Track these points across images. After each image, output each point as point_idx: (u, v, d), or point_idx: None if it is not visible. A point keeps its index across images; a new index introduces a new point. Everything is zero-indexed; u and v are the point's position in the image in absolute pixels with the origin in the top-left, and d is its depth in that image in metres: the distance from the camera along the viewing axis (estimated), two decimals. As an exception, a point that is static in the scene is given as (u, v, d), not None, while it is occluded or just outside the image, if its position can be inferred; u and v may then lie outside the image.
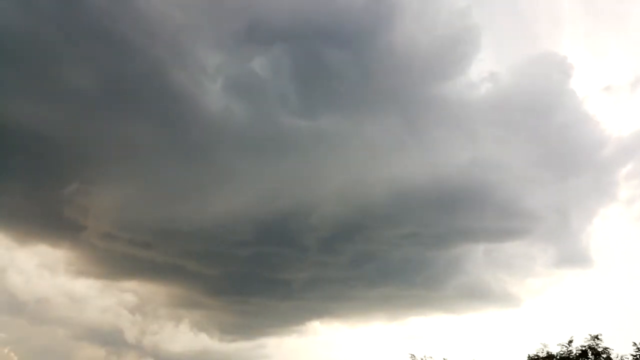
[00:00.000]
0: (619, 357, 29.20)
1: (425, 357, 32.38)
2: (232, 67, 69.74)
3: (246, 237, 67.68)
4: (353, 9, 69.74)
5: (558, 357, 30.86)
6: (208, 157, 69.26)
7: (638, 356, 28.91)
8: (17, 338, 72.59)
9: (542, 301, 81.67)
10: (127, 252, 69.40)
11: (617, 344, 30.15)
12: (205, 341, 74.36)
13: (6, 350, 66.97)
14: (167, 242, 68.38)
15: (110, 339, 73.18)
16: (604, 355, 29.12)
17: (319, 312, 77.24)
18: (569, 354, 30.24)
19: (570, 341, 30.65)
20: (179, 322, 75.23)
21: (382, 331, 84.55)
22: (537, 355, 31.08)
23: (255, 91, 70.69)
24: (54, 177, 66.44)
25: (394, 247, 73.89)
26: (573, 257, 78.15)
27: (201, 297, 75.53)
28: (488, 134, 76.00)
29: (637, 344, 28.79)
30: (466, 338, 79.73)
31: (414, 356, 31.99)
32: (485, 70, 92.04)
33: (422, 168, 71.52)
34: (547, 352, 31.03)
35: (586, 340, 29.72)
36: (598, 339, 29.56)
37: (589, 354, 29.28)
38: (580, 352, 29.57)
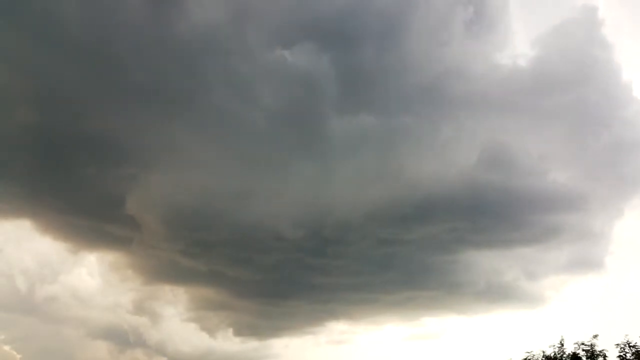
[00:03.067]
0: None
1: None
2: (272, 70, 71.09)
3: (280, 243, 70.12)
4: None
5: (552, 358, 33.42)
6: (253, 163, 71.77)
7: (623, 355, 31.32)
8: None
9: (555, 304, 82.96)
10: (170, 259, 73.96)
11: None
12: (212, 341, 79.31)
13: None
14: (208, 249, 72.18)
15: (124, 338, 78.70)
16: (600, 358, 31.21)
17: (336, 315, 79.49)
18: (561, 355, 32.40)
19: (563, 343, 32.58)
20: (198, 323, 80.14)
21: (395, 332, 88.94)
22: (533, 355, 33.54)
23: (296, 92, 71.91)
24: (109, 190, 69.88)
25: (411, 251, 75.47)
26: (590, 260, 78.72)
27: (231, 300, 79.06)
28: (509, 128, 75.61)
29: (620, 344, 31.25)
30: (477, 338, 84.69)
31: None
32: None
33: (442, 170, 72.27)
34: (543, 353, 33.54)
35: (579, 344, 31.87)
36: (589, 346, 31.54)
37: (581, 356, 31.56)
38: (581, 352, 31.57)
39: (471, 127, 74.87)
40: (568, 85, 76.06)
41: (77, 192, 70.32)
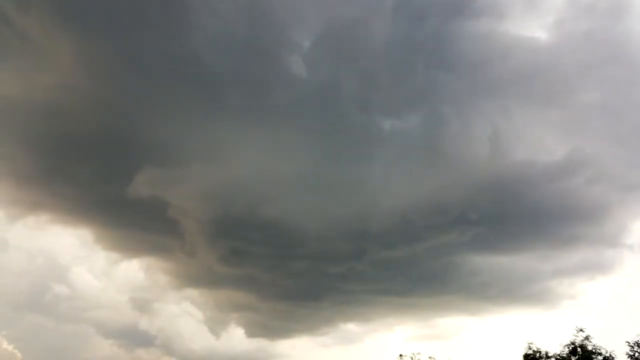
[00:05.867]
0: (609, 354, 29.85)
1: (414, 355, 34.27)
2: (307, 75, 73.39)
3: (309, 251, 71.69)
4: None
5: (551, 356, 31.77)
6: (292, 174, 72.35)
7: (634, 355, 29.70)
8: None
9: (569, 306, 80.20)
10: (207, 265, 75.52)
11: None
12: (220, 341, 79.66)
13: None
14: (244, 256, 74.03)
15: (133, 338, 79.65)
16: (596, 354, 29.77)
17: (349, 316, 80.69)
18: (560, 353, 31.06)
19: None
20: (213, 324, 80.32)
21: (405, 333, 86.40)
22: (532, 354, 31.98)
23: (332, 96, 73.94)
24: (155, 202, 71.02)
25: (425, 256, 75.04)
26: (605, 263, 76.25)
27: (256, 303, 79.65)
28: (524, 119, 72.43)
29: (630, 342, 29.66)
30: (489, 339, 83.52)
31: (404, 356, 33.84)
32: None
33: (458, 174, 71.21)
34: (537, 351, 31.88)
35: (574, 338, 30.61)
36: (588, 339, 30.31)
37: (578, 351, 30.05)
38: (570, 349, 30.34)
39: (486, 125, 72.65)
40: (590, 68, 71.14)
41: (127, 204, 72.03)
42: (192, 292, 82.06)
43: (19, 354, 69.89)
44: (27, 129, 68.47)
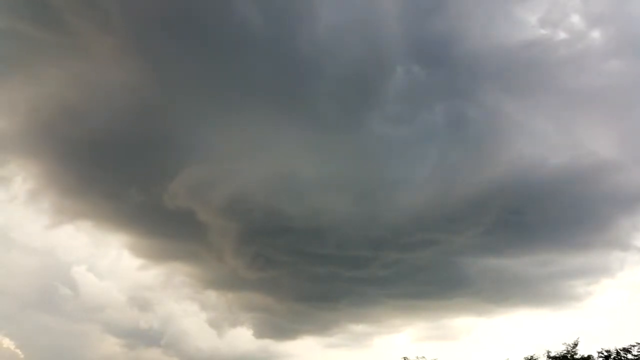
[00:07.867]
0: None
1: (417, 357, 37.05)
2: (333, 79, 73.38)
3: (326, 252, 72.49)
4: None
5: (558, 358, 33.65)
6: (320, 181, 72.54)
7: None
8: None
9: (576, 307, 79.77)
10: (232, 269, 76.62)
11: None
12: (224, 341, 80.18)
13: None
14: (270, 261, 74.80)
15: (138, 338, 79.65)
16: None
17: (360, 318, 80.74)
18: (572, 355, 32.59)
19: (576, 344, 33.44)
20: (221, 324, 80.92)
21: (412, 334, 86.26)
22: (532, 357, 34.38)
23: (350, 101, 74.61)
24: (183, 210, 71.64)
25: (436, 258, 75.58)
26: (612, 264, 75.43)
27: (273, 305, 79.89)
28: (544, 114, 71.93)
29: (603, 350, 31.86)
30: (496, 339, 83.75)
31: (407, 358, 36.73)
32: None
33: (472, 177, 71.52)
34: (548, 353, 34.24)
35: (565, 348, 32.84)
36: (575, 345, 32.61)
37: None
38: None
39: (498, 126, 72.60)
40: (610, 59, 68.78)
41: (160, 211, 72.76)
42: (212, 295, 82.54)
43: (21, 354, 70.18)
44: (68, 137, 69.88)
